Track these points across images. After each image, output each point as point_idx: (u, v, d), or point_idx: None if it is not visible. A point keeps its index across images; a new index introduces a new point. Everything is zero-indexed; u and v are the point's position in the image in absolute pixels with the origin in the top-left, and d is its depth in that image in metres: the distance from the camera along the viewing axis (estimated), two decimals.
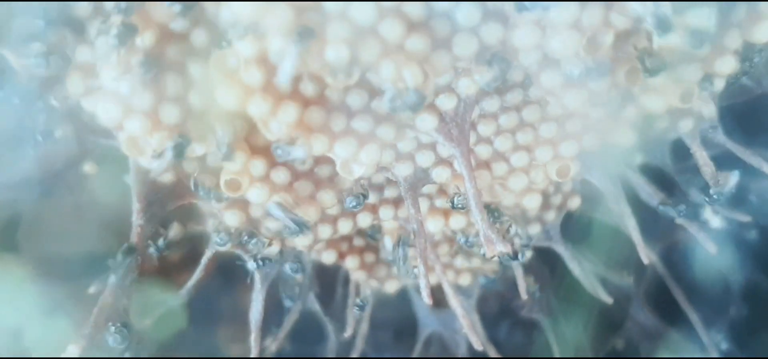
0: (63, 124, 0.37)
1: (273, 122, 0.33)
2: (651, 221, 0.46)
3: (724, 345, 0.54)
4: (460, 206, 0.38)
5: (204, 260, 0.42)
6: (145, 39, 0.33)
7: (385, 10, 0.31)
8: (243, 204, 0.39)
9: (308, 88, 0.34)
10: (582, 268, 0.48)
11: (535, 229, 0.46)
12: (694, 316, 0.52)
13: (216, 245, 0.40)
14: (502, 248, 0.35)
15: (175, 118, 0.34)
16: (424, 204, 0.41)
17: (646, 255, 0.42)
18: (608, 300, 0.48)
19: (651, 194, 0.44)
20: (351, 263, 0.45)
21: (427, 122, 0.35)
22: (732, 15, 0.34)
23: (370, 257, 0.46)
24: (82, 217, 0.40)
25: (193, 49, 0.34)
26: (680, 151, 0.42)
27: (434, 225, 0.42)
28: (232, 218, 0.39)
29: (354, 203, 0.38)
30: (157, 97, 0.34)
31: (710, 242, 0.44)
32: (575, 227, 0.48)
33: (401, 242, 0.42)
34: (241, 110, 0.33)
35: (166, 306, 0.43)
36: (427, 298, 0.38)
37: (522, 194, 0.41)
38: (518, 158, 0.39)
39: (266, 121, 0.33)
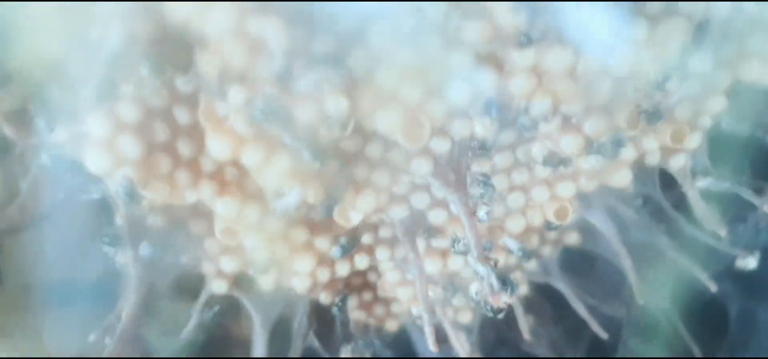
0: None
1: (268, 171, 0.32)
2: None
3: None
4: (461, 252, 0.37)
5: (200, 302, 0.40)
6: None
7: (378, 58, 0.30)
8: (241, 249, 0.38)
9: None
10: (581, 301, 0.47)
11: (530, 264, 0.45)
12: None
13: (212, 291, 0.39)
14: (507, 299, 0.34)
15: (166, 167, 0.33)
16: (420, 244, 0.40)
17: (642, 296, 0.41)
18: (603, 334, 0.47)
19: (647, 228, 0.43)
20: (349, 302, 0.44)
21: (422, 166, 0.34)
22: (722, 53, 0.33)
23: (368, 296, 0.45)
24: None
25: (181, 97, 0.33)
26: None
27: (433, 266, 0.40)
28: (230, 264, 0.38)
29: (339, 254, 0.37)
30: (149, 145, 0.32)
31: (711, 282, 0.43)
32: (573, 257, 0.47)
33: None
34: (234, 158, 0.32)
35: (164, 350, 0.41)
36: (432, 345, 0.37)
37: (521, 236, 0.39)
38: (515, 198, 0.38)
39: (260, 169, 0.32)
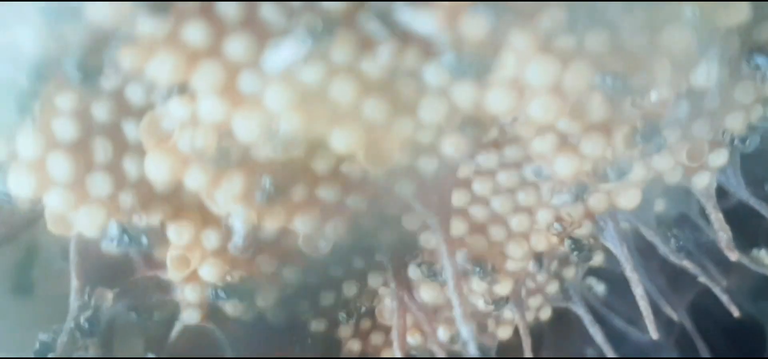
0: None
1: (217, 195, 0.28)
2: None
3: None
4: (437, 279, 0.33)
5: (174, 334, 0.36)
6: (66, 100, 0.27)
7: (338, 69, 0.25)
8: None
9: (258, 154, 0.28)
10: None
11: (553, 287, 0.40)
12: None
13: (185, 321, 0.35)
14: (474, 351, 0.29)
15: (107, 189, 0.28)
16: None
17: (654, 330, 0.37)
18: None
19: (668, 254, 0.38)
20: (343, 331, 0.39)
21: (404, 187, 0.30)
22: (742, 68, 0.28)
23: (365, 323, 0.40)
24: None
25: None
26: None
27: (429, 294, 0.36)
28: (193, 294, 0.34)
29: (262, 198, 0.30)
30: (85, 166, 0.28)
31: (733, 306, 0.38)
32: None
33: None
34: (177, 182, 0.27)
35: None
36: None
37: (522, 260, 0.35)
38: (518, 221, 0.33)
39: (210, 193, 0.28)
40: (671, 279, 0.42)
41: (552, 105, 0.25)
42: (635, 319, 0.45)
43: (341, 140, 0.25)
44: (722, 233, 0.33)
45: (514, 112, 0.26)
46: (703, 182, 0.33)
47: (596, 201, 0.32)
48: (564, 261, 0.39)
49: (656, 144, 0.28)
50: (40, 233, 0.33)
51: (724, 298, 0.37)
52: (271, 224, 0.28)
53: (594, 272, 0.42)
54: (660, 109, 0.27)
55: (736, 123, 0.31)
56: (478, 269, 0.33)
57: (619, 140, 0.28)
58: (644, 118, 0.27)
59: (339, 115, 0.25)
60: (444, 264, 0.29)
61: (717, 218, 0.33)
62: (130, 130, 0.29)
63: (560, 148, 0.28)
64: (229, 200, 0.28)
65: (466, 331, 0.28)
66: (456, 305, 0.28)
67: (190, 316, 0.35)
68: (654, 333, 0.36)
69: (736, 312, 0.38)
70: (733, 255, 0.34)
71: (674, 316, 0.40)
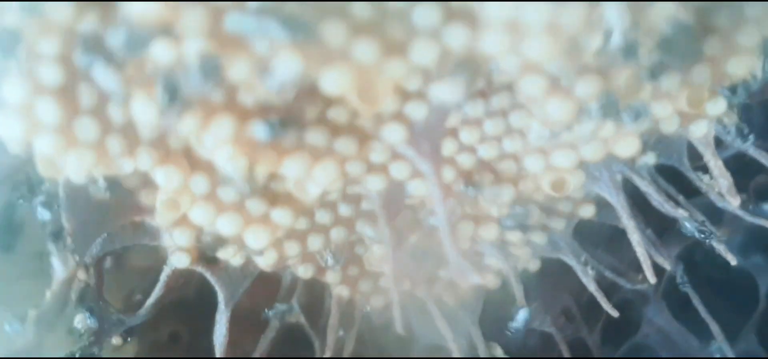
0: None
1: (206, 137, 0.27)
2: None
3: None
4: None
5: (162, 278, 0.36)
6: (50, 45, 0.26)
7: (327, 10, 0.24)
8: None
9: (247, 97, 0.27)
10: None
11: (540, 238, 0.39)
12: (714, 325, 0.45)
13: (173, 265, 0.35)
14: (476, 278, 0.28)
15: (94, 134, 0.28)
16: (407, 217, 0.35)
17: (652, 275, 0.36)
18: (614, 313, 0.41)
19: (662, 203, 0.37)
20: (331, 277, 0.39)
21: (395, 133, 0.29)
22: (747, 9, 0.27)
23: (353, 270, 0.39)
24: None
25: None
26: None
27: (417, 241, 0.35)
28: (182, 238, 0.33)
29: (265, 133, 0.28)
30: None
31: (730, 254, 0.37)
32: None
33: None
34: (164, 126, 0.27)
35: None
36: (400, 330, 0.32)
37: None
38: (506, 166, 0.32)
39: (198, 135, 0.27)
40: (659, 233, 0.41)
41: (548, 45, 0.24)
42: (623, 271, 0.45)
43: (333, 81, 0.24)
44: (723, 180, 0.33)
45: (508, 53, 0.25)
46: (701, 131, 0.32)
47: (592, 150, 0.31)
48: (552, 211, 0.38)
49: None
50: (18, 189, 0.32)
51: (721, 247, 0.36)
52: (262, 169, 0.27)
53: (584, 224, 0.41)
54: None
55: (738, 69, 0.29)
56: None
57: (622, 82, 0.27)
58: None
59: (330, 56, 0.24)
60: (436, 210, 0.28)
61: (717, 165, 0.32)
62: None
63: (551, 91, 0.27)
64: (218, 144, 0.27)
65: (459, 267, 0.27)
66: (449, 248, 0.27)
67: (179, 260, 0.34)
68: (652, 278, 0.35)
69: (733, 261, 0.37)
70: (736, 201, 0.34)
71: (667, 265, 0.39)
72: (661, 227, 0.40)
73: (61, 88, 0.27)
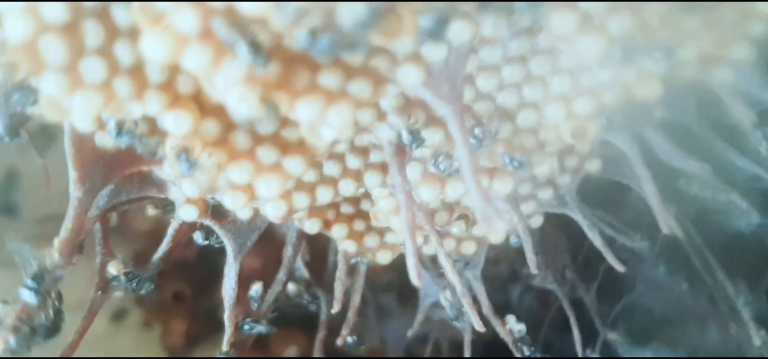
0: None
1: (217, 77, 0.25)
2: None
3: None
4: (445, 171, 0.30)
5: (170, 231, 0.34)
6: None
7: None
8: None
9: (261, 37, 0.25)
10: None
11: (545, 194, 0.37)
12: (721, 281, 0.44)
13: (181, 217, 0.33)
14: (503, 224, 0.27)
15: (101, 75, 0.26)
16: (417, 169, 0.33)
17: (667, 225, 0.34)
18: (620, 267, 0.39)
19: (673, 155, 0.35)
20: (338, 232, 0.37)
21: (411, 75, 0.27)
22: None
23: (359, 225, 0.37)
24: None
25: None
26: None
27: (429, 193, 0.33)
28: (191, 188, 0.31)
29: None
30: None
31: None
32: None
33: None
34: (174, 62, 0.25)
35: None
36: (415, 279, 0.30)
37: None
38: (525, 116, 0.31)
39: (209, 76, 0.25)
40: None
41: None
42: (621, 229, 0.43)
43: (351, 10, 0.22)
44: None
45: None
46: (723, 77, 0.30)
47: (612, 95, 0.30)
48: (559, 167, 0.37)
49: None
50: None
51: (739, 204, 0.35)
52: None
53: (590, 180, 0.39)
54: None
55: None
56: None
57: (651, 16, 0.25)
58: None
59: None
60: (459, 154, 0.26)
61: (740, 113, 0.30)
62: (121, 13, 0.26)
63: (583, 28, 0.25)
64: (230, 84, 0.25)
65: (485, 212, 0.25)
66: (473, 187, 0.26)
67: (187, 213, 0.33)
68: (666, 228, 0.34)
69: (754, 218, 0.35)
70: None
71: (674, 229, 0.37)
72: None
73: (66, 25, 0.25)
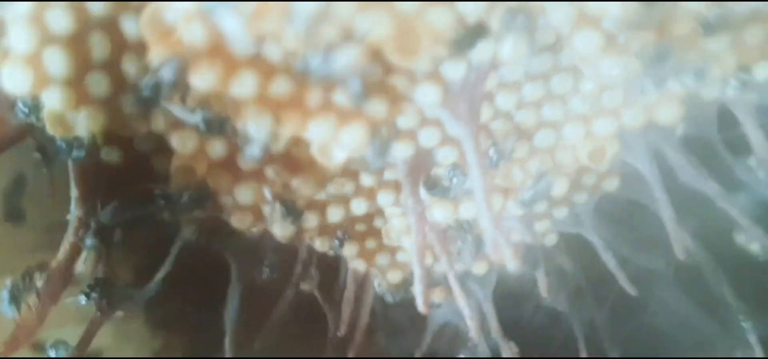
0: None
1: (226, 94, 0.23)
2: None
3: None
4: (457, 186, 0.29)
5: (173, 251, 0.32)
6: None
7: None
8: None
9: (272, 52, 0.23)
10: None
11: (561, 213, 0.36)
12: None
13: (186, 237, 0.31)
14: (511, 254, 0.25)
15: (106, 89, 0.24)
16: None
17: (682, 250, 0.33)
18: (632, 291, 0.38)
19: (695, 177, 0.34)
20: (349, 251, 0.35)
21: (429, 95, 0.26)
22: None
23: (371, 244, 0.36)
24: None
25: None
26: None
27: (442, 214, 0.32)
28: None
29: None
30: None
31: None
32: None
33: None
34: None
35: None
36: (421, 307, 0.28)
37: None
38: (543, 137, 0.29)
39: (219, 94, 0.23)
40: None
41: None
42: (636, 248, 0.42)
43: (370, 27, 0.21)
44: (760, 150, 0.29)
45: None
46: (745, 97, 0.29)
47: (633, 117, 0.28)
48: (576, 186, 0.35)
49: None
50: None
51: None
52: (286, 129, 0.24)
53: (607, 198, 0.38)
54: None
55: None
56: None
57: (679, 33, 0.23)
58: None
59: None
60: (472, 174, 0.25)
61: (757, 137, 0.29)
62: (130, 25, 0.24)
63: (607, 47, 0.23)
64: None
65: (495, 239, 0.24)
66: (484, 213, 0.24)
67: (192, 232, 0.31)
68: (681, 254, 0.32)
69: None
70: None
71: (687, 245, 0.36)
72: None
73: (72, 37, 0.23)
